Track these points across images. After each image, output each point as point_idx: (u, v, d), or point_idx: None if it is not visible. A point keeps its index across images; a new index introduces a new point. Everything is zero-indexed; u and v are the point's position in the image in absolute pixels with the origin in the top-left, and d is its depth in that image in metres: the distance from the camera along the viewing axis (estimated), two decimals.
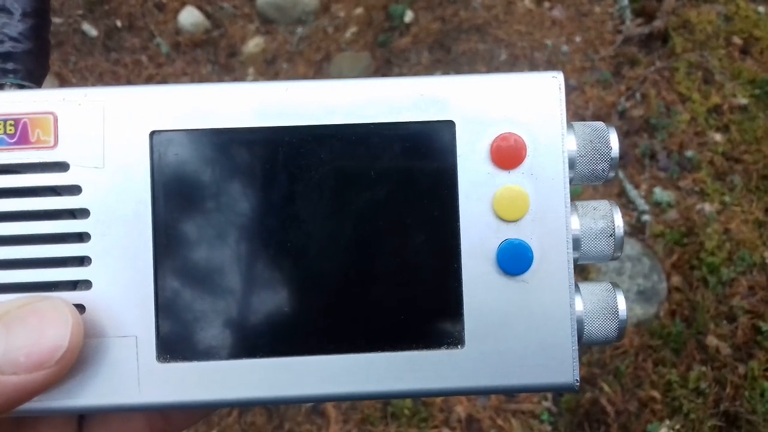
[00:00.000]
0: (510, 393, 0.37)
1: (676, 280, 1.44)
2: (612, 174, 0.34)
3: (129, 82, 1.67)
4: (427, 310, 0.33)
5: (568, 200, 0.33)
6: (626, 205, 1.51)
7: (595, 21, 1.71)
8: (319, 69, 1.70)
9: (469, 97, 0.33)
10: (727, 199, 1.51)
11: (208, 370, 0.33)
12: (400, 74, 1.67)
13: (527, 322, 0.33)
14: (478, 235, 0.33)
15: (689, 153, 1.56)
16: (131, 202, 0.33)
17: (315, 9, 1.97)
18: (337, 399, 0.34)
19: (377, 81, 0.34)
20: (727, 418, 1.31)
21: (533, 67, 1.61)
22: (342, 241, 0.33)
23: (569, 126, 0.34)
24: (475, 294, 0.33)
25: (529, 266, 0.33)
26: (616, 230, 0.34)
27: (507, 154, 0.33)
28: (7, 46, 0.34)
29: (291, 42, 1.93)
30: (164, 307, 0.33)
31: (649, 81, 1.63)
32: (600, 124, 0.34)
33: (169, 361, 0.32)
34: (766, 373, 1.33)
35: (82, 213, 0.33)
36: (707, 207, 1.50)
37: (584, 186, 1.37)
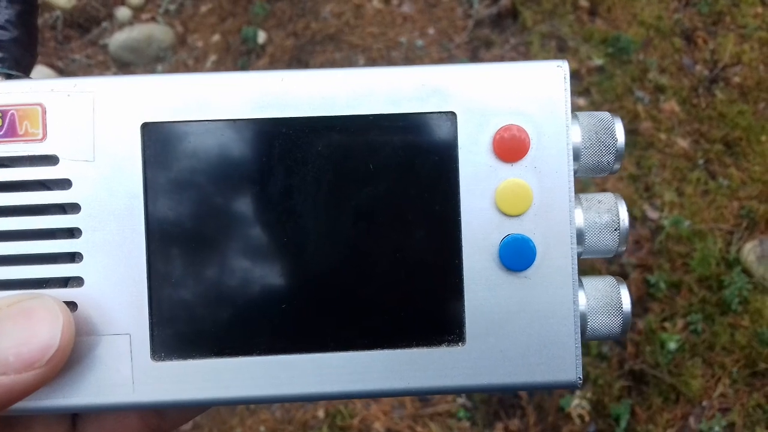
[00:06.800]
0: (511, 391, 0.36)
1: None
2: (617, 166, 0.33)
3: None
4: (428, 307, 0.32)
5: (572, 194, 0.32)
6: None
7: (444, 10, 1.72)
8: None
9: (472, 87, 0.32)
10: None
11: (204, 368, 0.32)
12: None
13: (529, 320, 0.32)
14: (479, 231, 0.32)
15: None
16: (123, 197, 0.31)
17: (171, 43, 1.92)
18: (335, 398, 0.33)
19: (376, 70, 0.33)
20: (634, 376, 1.35)
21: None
22: (340, 237, 0.32)
23: (573, 116, 0.33)
24: (476, 291, 0.32)
25: (532, 262, 0.32)
26: (621, 224, 0.33)
27: (510, 147, 0.32)
28: None
29: None
30: (158, 304, 0.32)
31: (507, 59, 1.65)
32: (606, 114, 0.33)
33: (163, 360, 0.32)
34: (663, 324, 1.37)
35: (72, 208, 0.32)
36: None
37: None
